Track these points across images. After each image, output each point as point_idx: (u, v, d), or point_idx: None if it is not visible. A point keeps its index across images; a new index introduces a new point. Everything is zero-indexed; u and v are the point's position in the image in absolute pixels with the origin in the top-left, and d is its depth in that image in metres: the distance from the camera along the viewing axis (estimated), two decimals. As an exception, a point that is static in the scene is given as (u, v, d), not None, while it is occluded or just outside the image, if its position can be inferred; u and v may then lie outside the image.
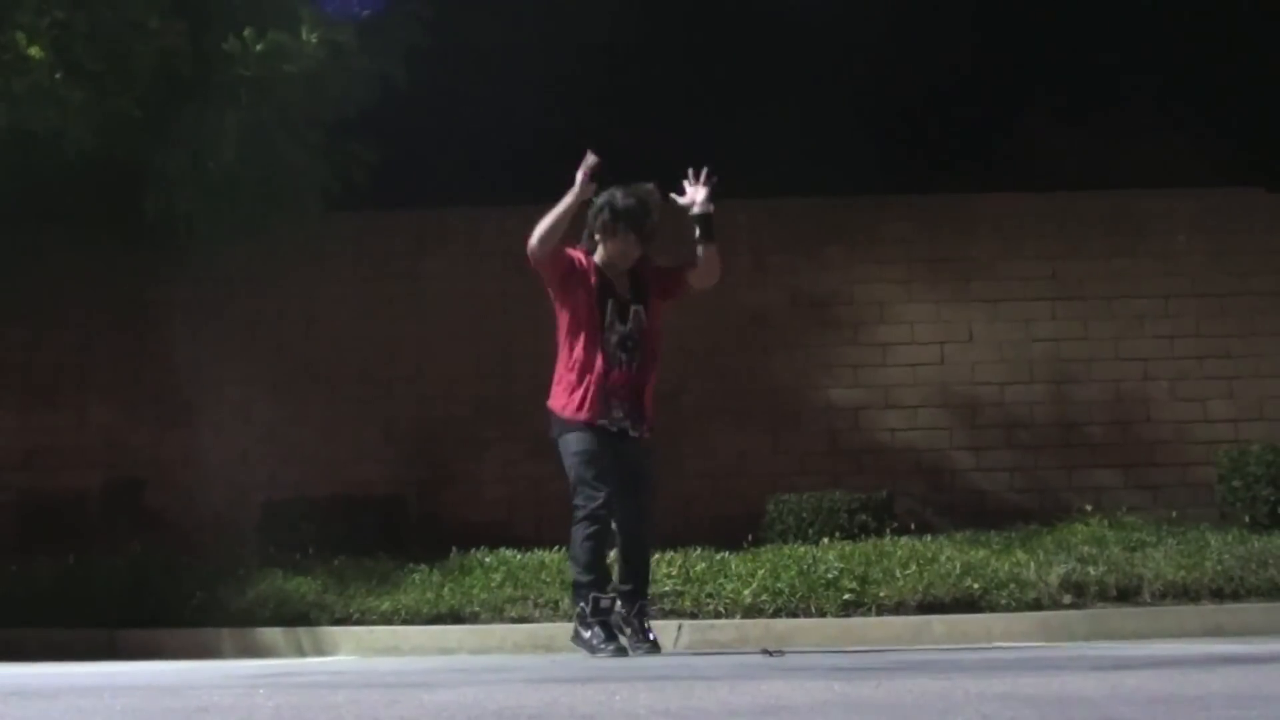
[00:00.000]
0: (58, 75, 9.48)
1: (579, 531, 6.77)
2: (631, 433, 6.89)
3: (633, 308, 6.94)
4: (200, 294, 12.32)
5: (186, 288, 12.26)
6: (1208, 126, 12.67)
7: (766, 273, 12.52)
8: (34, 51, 9.33)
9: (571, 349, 6.90)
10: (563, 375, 6.94)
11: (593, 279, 6.90)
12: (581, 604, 6.83)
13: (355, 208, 11.80)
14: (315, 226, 11.65)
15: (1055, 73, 13.53)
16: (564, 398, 6.89)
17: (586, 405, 6.80)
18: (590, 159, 6.82)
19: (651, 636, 6.96)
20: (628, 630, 6.95)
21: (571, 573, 6.98)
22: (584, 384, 6.82)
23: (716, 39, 13.09)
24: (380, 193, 11.56)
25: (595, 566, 6.79)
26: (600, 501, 6.73)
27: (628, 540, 7.01)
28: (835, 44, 12.62)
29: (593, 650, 6.70)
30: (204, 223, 10.83)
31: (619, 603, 6.97)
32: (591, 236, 7.03)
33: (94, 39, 9.70)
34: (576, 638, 6.88)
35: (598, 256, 7.00)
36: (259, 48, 10.04)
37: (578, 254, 6.99)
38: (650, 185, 6.98)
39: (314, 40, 10.12)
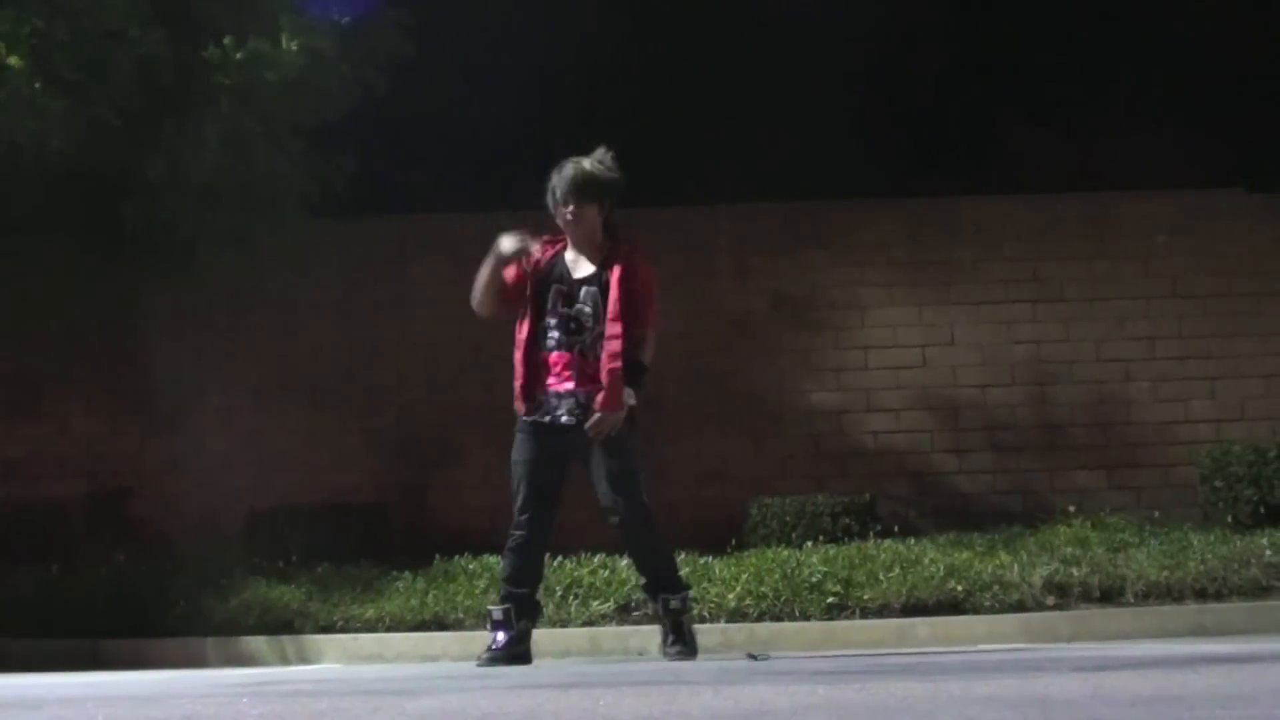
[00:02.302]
0: (37, 84, 9.45)
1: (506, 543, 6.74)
2: (566, 419, 6.58)
3: (584, 288, 6.65)
4: (182, 302, 12.28)
5: (168, 296, 12.21)
6: (1186, 128, 12.72)
7: (747, 277, 12.53)
8: (13, 61, 9.30)
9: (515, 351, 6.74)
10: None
11: (542, 264, 6.73)
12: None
13: (336, 215, 11.78)
14: (296, 234, 11.63)
15: (1034, 75, 13.56)
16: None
17: (517, 396, 6.69)
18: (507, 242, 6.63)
19: (686, 637, 6.70)
20: (663, 634, 6.84)
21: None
22: (518, 376, 6.68)
23: (696, 45, 13.10)
24: (361, 199, 11.54)
25: (509, 579, 6.71)
26: (519, 521, 6.62)
27: (621, 538, 6.93)
28: (814, 48, 12.64)
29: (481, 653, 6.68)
30: (185, 231, 10.80)
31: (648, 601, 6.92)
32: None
33: (73, 48, 9.67)
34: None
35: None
36: (239, 56, 10.02)
37: (535, 254, 6.74)
38: (608, 153, 6.78)
39: (295, 48, 10.10)
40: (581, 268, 6.72)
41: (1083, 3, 13.65)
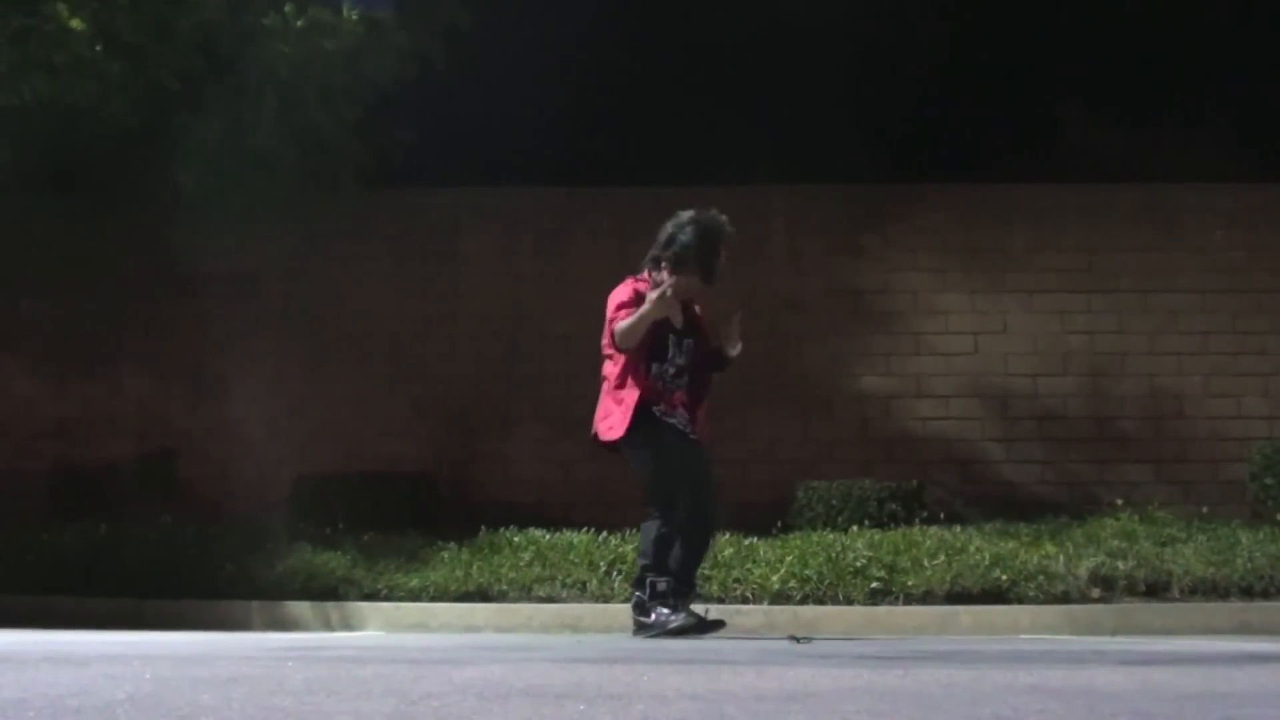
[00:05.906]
0: (98, 47, 9.51)
1: (654, 530, 6.81)
2: (692, 435, 6.90)
3: (685, 341, 7.00)
4: (235, 268, 12.34)
5: (221, 262, 12.28)
6: (1248, 121, 12.59)
7: (801, 260, 12.49)
8: (75, 23, 9.37)
9: (627, 377, 6.86)
10: (619, 397, 6.86)
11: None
12: (638, 593, 6.83)
13: (391, 185, 11.82)
14: (351, 203, 11.69)
15: (1093, 64, 13.45)
16: (625, 415, 6.81)
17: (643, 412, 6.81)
18: (667, 284, 6.79)
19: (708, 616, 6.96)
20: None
21: (638, 563, 6.99)
22: (634, 400, 6.81)
23: (756, 24, 13.05)
24: (416, 171, 11.57)
25: (660, 560, 6.77)
26: (679, 510, 6.73)
27: (697, 540, 6.96)
28: (874, 31, 12.58)
29: (665, 625, 6.66)
30: (240, 198, 10.85)
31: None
32: (659, 265, 6.96)
33: (134, 11, 9.73)
34: (640, 628, 6.81)
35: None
36: (300, 24, 10.06)
37: (638, 286, 6.95)
38: (724, 218, 6.95)
39: (354, 17, 10.14)
40: (678, 318, 7.01)
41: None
